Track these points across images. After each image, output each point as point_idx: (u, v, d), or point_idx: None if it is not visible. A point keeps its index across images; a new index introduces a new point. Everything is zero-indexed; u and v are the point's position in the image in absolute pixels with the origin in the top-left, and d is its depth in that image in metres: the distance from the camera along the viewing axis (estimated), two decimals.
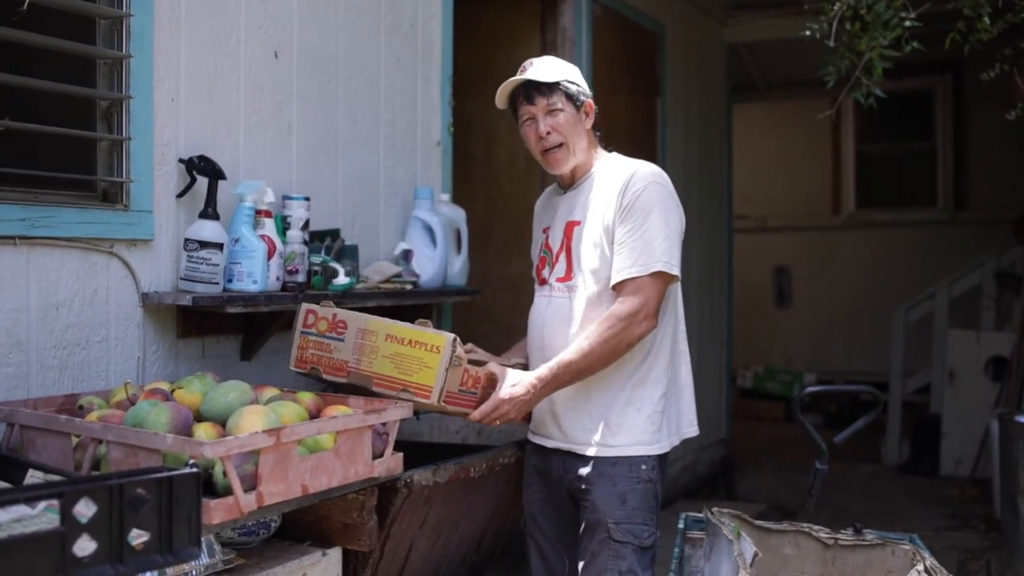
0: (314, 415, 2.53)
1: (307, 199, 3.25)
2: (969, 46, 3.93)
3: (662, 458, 2.96)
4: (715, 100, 7.68)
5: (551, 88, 2.88)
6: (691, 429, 3.10)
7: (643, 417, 2.90)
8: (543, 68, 2.92)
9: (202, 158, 3.00)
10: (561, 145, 2.91)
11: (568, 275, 2.96)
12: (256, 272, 2.99)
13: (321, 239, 3.39)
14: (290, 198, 3.23)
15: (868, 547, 2.92)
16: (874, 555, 2.91)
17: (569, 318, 2.92)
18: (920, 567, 2.70)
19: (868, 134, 10.95)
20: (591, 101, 2.97)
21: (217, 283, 2.93)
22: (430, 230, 3.78)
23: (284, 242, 3.15)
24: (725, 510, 2.96)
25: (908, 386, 8.60)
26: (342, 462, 2.41)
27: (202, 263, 2.89)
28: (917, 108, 10.60)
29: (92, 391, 2.65)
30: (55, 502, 1.48)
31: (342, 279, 3.27)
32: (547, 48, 5.42)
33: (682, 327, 3.09)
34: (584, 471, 2.90)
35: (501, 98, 2.96)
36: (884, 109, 4.10)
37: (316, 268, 3.24)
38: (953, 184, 10.51)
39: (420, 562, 3.06)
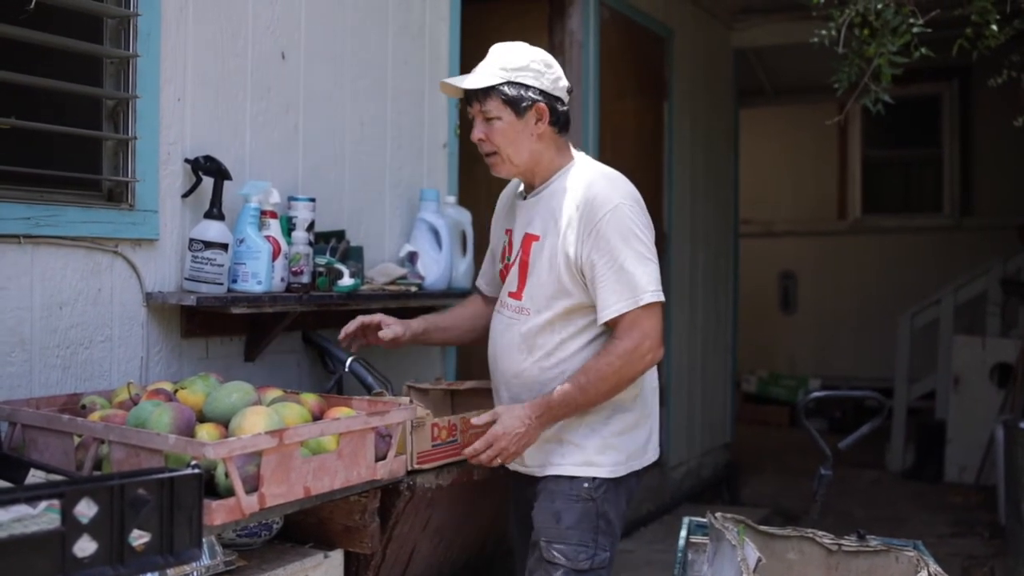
0: (317, 417, 2.52)
1: (312, 200, 3.25)
2: (977, 52, 3.92)
3: (616, 482, 2.78)
4: (722, 105, 7.67)
5: (484, 93, 2.71)
6: (651, 455, 2.91)
7: (597, 439, 2.75)
8: (484, 68, 2.74)
9: (208, 158, 3.00)
10: (495, 153, 2.77)
11: (519, 293, 2.81)
12: (261, 273, 2.98)
13: (326, 240, 3.38)
14: (295, 199, 3.23)
15: (872, 553, 2.91)
16: (878, 561, 2.90)
17: (520, 345, 2.79)
18: (924, 574, 2.69)
19: (875, 140, 10.93)
20: (544, 104, 2.72)
21: (221, 283, 2.92)
22: (436, 232, 3.78)
23: (289, 243, 3.15)
24: (729, 515, 2.94)
25: (913, 392, 8.57)
26: (345, 464, 2.41)
27: (207, 263, 2.89)
28: (924, 114, 10.58)
29: (95, 391, 2.65)
30: (56, 502, 1.48)
31: (347, 281, 3.26)
32: (555, 51, 5.43)
33: None
34: (533, 490, 2.82)
35: (449, 91, 2.84)
36: (891, 115, 4.09)
37: (321, 269, 3.24)
38: (959, 190, 10.48)
39: (422, 565, 3.06)
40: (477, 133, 2.76)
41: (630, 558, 5.52)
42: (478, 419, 2.76)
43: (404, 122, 3.91)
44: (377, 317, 2.98)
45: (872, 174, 11.03)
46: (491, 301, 3.06)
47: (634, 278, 2.65)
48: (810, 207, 11.20)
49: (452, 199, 4.02)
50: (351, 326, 2.97)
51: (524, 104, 2.70)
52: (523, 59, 2.73)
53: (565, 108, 2.81)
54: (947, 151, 10.57)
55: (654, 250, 2.74)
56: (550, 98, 2.74)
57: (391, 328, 2.95)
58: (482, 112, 2.73)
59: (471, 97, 2.74)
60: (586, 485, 2.73)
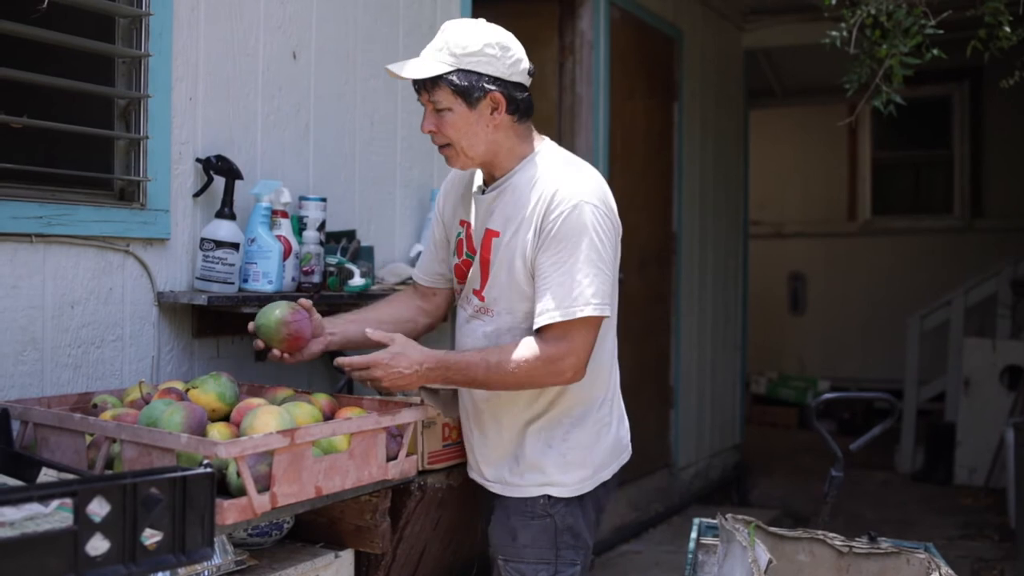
0: (328, 416, 2.52)
1: (323, 200, 3.25)
2: (989, 54, 3.91)
3: (580, 497, 2.62)
4: (732, 105, 7.67)
5: (432, 83, 2.44)
6: (624, 457, 2.76)
7: (556, 455, 2.59)
8: (432, 52, 2.47)
9: (219, 158, 3.00)
10: (449, 145, 2.53)
11: (481, 292, 2.63)
12: (272, 272, 2.98)
13: (337, 240, 3.38)
14: (306, 199, 3.23)
15: (883, 555, 2.90)
16: (889, 563, 2.90)
17: (484, 346, 2.61)
18: None
19: (885, 141, 10.91)
20: (500, 92, 2.45)
21: (233, 283, 2.92)
22: None
23: (300, 243, 3.15)
24: (739, 516, 2.94)
25: (923, 394, 8.56)
26: (356, 464, 2.40)
27: (218, 263, 2.89)
28: (934, 115, 10.55)
29: (106, 390, 2.65)
30: (68, 500, 1.48)
31: (358, 280, 3.26)
32: (566, 51, 5.43)
33: (613, 361, 2.73)
34: (489, 504, 2.72)
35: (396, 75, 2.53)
36: (901, 116, 4.08)
37: (332, 269, 3.24)
38: (970, 192, 10.45)
39: (433, 565, 3.06)
40: (427, 125, 2.52)
41: (638, 559, 5.52)
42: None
43: (414, 122, 3.89)
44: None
45: (882, 175, 11.00)
46: (427, 294, 2.90)
47: (580, 286, 2.41)
48: (820, 208, 11.17)
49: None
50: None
51: (477, 94, 2.44)
52: (476, 42, 2.44)
53: (526, 94, 2.54)
54: (957, 152, 10.53)
55: (612, 259, 2.51)
56: (507, 85, 2.47)
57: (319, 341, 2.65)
58: (431, 102, 2.48)
59: (418, 85, 2.49)
60: (542, 502, 2.59)
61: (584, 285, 2.41)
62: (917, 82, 4.59)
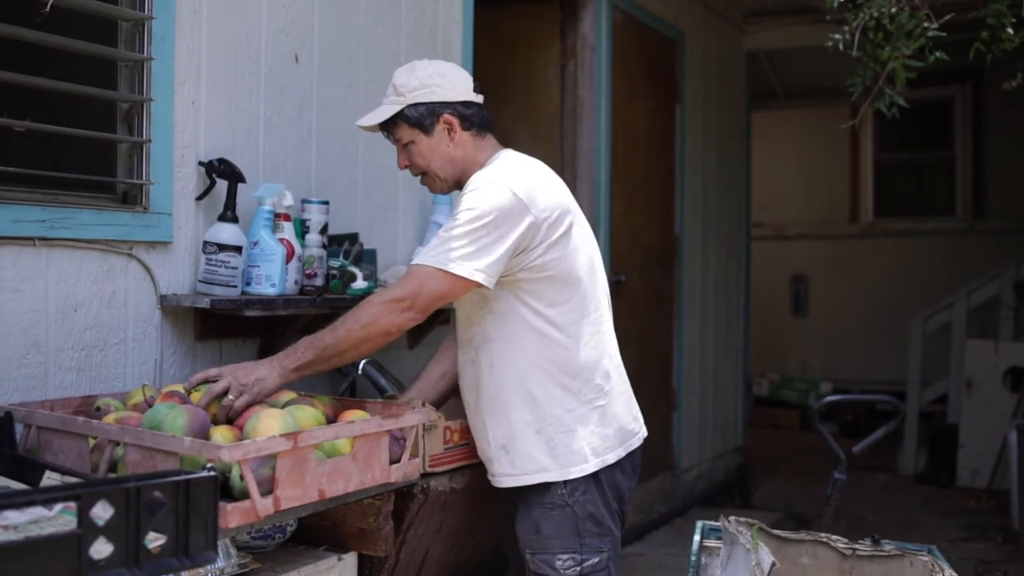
0: (331, 420, 2.52)
1: (326, 203, 3.25)
2: (991, 56, 3.91)
3: (593, 478, 2.70)
4: (734, 107, 7.67)
5: (391, 123, 2.75)
6: (634, 441, 2.83)
7: (543, 440, 2.68)
8: (386, 102, 2.76)
9: (222, 161, 3.00)
10: (425, 174, 2.80)
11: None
12: (274, 275, 2.99)
13: (340, 243, 3.39)
14: (309, 202, 3.24)
15: (886, 558, 2.90)
16: (892, 566, 2.89)
17: (460, 345, 2.83)
18: None
19: (887, 143, 10.91)
20: (450, 114, 2.71)
21: (235, 286, 2.93)
22: None
23: (303, 246, 3.15)
24: (742, 519, 2.94)
25: (925, 396, 8.55)
26: (359, 467, 2.40)
27: (220, 266, 2.89)
28: (936, 117, 10.54)
29: (109, 393, 2.66)
30: (72, 504, 1.48)
31: (360, 283, 3.26)
32: (567, 54, 5.43)
33: (603, 337, 2.79)
34: (508, 499, 2.80)
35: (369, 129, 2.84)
36: (903, 118, 4.07)
37: (334, 272, 3.24)
38: (972, 193, 10.45)
39: (436, 568, 3.06)
40: (401, 161, 2.80)
41: (641, 561, 5.52)
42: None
43: None
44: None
45: (884, 177, 11.00)
46: None
47: (449, 243, 2.53)
48: (822, 210, 11.17)
49: None
50: (194, 380, 2.57)
51: (428, 120, 2.71)
52: (415, 78, 2.72)
53: (476, 109, 2.77)
54: (959, 154, 10.53)
55: (502, 235, 2.55)
56: (454, 106, 2.72)
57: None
58: (396, 140, 2.77)
59: (384, 130, 2.79)
60: (562, 491, 2.68)
61: (455, 243, 2.53)
62: (919, 84, 4.59)
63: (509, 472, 2.73)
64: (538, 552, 2.69)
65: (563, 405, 2.69)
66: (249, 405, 2.44)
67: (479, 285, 2.55)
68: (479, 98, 2.79)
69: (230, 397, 2.42)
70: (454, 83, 2.74)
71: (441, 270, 2.52)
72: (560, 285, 2.67)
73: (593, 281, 2.77)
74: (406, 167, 2.80)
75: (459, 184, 2.78)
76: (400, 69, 2.79)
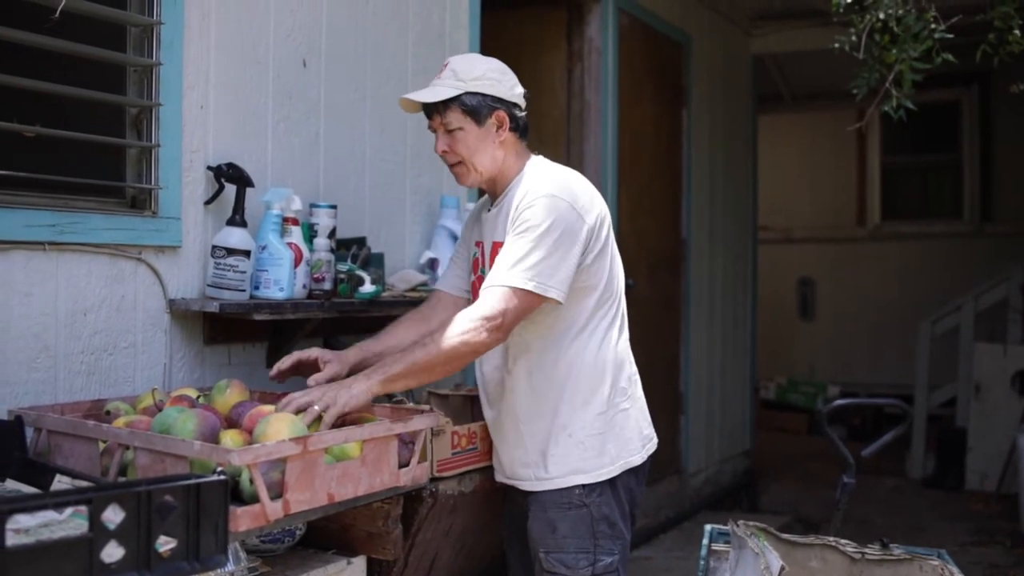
0: (340, 424, 2.52)
1: (334, 207, 3.26)
2: (998, 58, 3.91)
3: (610, 482, 2.75)
4: (740, 111, 7.67)
5: (444, 106, 2.71)
6: (650, 447, 2.88)
7: (575, 443, 2.72)
8: (441, 81, 2.74)
9: (230, 165, 3.01)
10: (460, 163, 2.77)
11: None
12: (283, 279, 2.99)
13: (347, 247, 3.39)
14: (317, 206, 3.24)
15: (895, 562, 2.89)
16: (901, 570, 2.89)
17: (498, 352, 2.78)
18: None
19: (894, 146, 10.89)
20: (504, 111, 2.74)
21: (244, 290, 2.93)
22: (456, 239, 3.78)
23: (311, 250, 3.16)
24: (750, 523, 2.93)
25: (933, 399, 8.54)
26: (368, 471, 2.41)
27: (229, 270, 2.90)
28: (943, 120, 10.53)
29: (119, 397, 2.66)
30: (83, 508, 1.49)
31: (368, 287, 3.27)
32: (574, 58, 5.44)
33: (623, 344, 2.84)
34: (524, 502, 2.81)
35: (408, 106, 2.81)
36: (910, 121, 4.07)
37: (342, 276, 3.24)
38: (979, 196, 10.43)
39: (444, 571, 3.06)
40: (441, 145, 2.77)
41: (649, 565, 5.52)
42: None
43: (423, 129, 3.90)
44: (314, 353, 2.77)
45: (891, 180, 10.98)
46: (449, 303, 2.96)
47: (523, 261, 2.57)
48: (829, 213, 11.16)
49: (472, 206, 4.02)
50: (286, 362, 2.76)
51: (484, 112, 2.72)
52: (478, 69, 2.74)
53: (523, 114, 2.81)
54: (967, 157, 10.51)
55: (568, 245, 2.62)
56: (508, 105, 2.76)
57: (330, 366, 2.72)
58: (443, 124, 2.74)
59: (430, 111, 2.75)
60: (578, 492, 2.72)
61: (528, 259, 2.57)
62: (926, 87, 4.58)
63: (544, 476, 2.75)
64: (552, 551, 2.71)
65: (595, 409, 2.74)
66: (337, 416, 2.44)
67: (556, 302, 2.62)
68: (525, 104, 2.83)
69: (315, 408, 2.41)
70: (512, 84, 2.79)
71: (522, 289, 2.57)
72: (600, 292, 2.75)
73: (621, 285, 2.84)
74: (444, 152, 2.77)
75: (491, 181, 2.81)
76: (459, 57, 2.81)
